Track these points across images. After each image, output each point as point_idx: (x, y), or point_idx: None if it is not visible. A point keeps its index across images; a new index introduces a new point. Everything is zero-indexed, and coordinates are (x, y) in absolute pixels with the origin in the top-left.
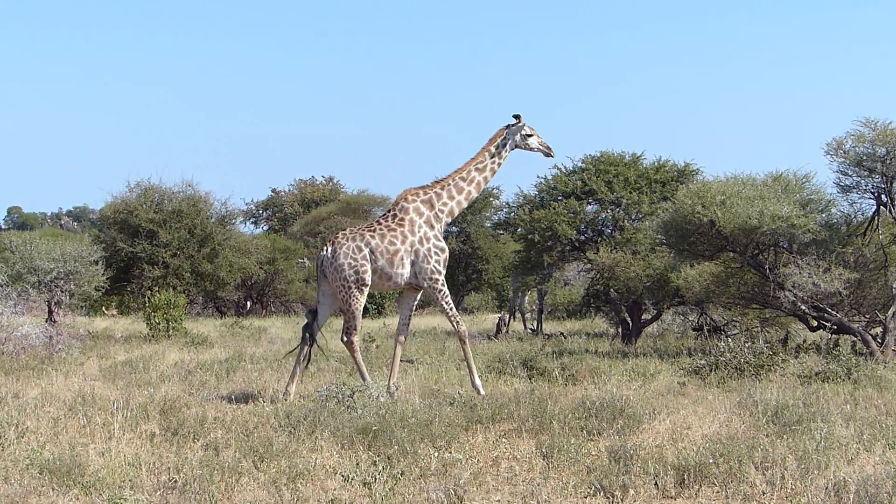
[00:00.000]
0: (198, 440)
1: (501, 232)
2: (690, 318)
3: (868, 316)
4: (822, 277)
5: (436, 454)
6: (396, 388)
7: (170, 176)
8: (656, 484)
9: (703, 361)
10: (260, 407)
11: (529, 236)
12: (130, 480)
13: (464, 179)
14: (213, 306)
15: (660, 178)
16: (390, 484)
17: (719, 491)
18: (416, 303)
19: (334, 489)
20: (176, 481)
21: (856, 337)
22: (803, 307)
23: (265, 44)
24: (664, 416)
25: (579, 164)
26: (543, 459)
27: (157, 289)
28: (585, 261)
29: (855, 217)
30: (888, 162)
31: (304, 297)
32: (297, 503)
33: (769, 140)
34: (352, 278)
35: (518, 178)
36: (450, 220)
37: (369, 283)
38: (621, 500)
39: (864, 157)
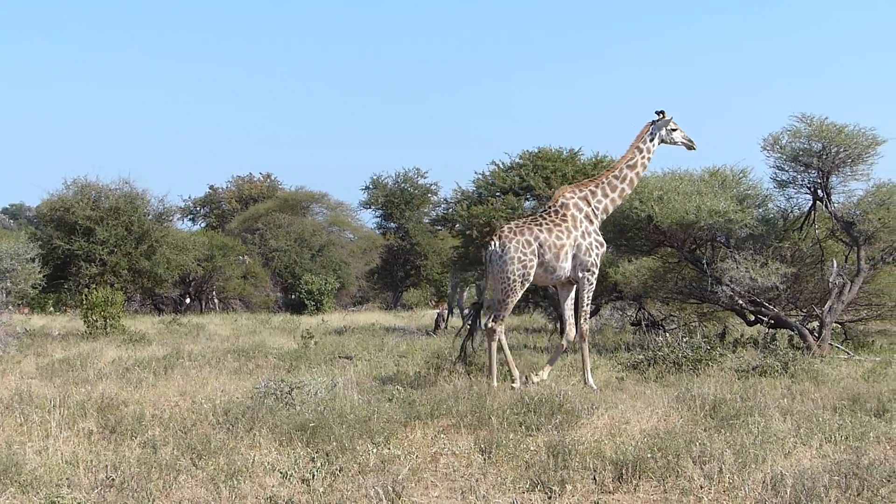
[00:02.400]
0: (136, 438)
1: (440, 228)
2: (628, 313)
3: (805, 310)
4: (759, 272)
5: (374, 450)
6: (594, 389)
7: (107, 173)
8: (594, 479)
9: (641, 356)
10: (198, 404)
11: (468, 232)
12: (68, 479)
13: (617, 178)
14: (151, 303)
15: (598, 173)
16: (329, 480)
17: (657, 485)
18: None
19: (273, 486)
20: (114, 479)
21: (793, 331)
22: (741, 302)
23: (203, 39)
24: (602, 411)
25: (517, 160)
26: (482, 455)
27: (94, 286)
28: None
29: (791, 212)
30: (824, 157)
31: (242, 294)
32: (236, 500)
33: (706, 135)
34: (518, 272)
35: (456, 173)
36: (605, 216)
37: (532, 279)
38: (559, 495)
39: (801, 153)
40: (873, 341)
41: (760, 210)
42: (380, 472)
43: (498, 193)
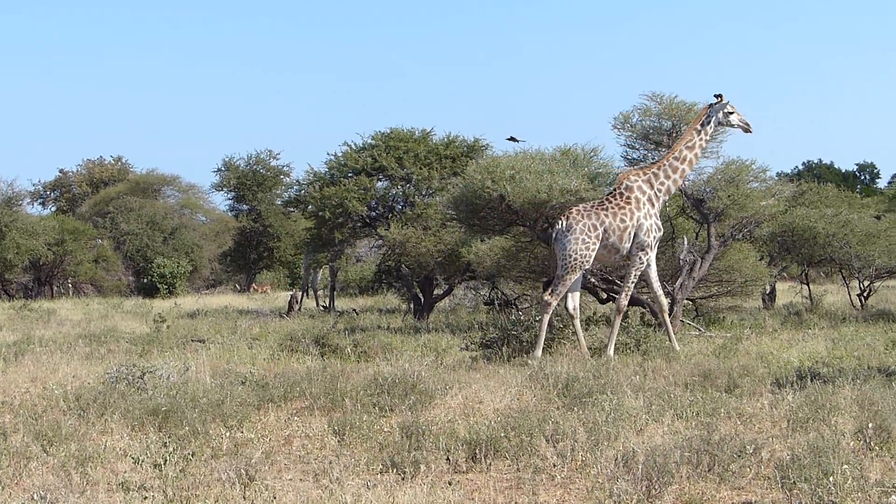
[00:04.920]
0: None
1: (292, 209)
2: (482, 293)
3: None
4: None
5: (227, 434)
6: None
7: None
8: (448, 459)
9: (493, 335)
10: (49, 390)
11: (320, 213)
12: None
13: (677, 159)
14: (1, 289)
15: (450, 153)
16: (181, 465)
17: (511, 464)
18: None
19: (125, 472)
20: None
21: (645, 308)
22: (593, 280)
23: (47, 15)
24: (456, 390)
25: (369, 141)
26: (336, 437)
27: None
28: (377, 237)
29: None
30: (674, 135)
31: (94, 278)
32: (87, 487)
33: (557, 115)
34: (579, 253)
35: (308, 155)
36: (667, 198)
37: (590, 264)
38: (413, 476)
39: (651, 131)
40: (724, 317)
41: (612, 188)
42: (233, 456)
43: (350, 174)
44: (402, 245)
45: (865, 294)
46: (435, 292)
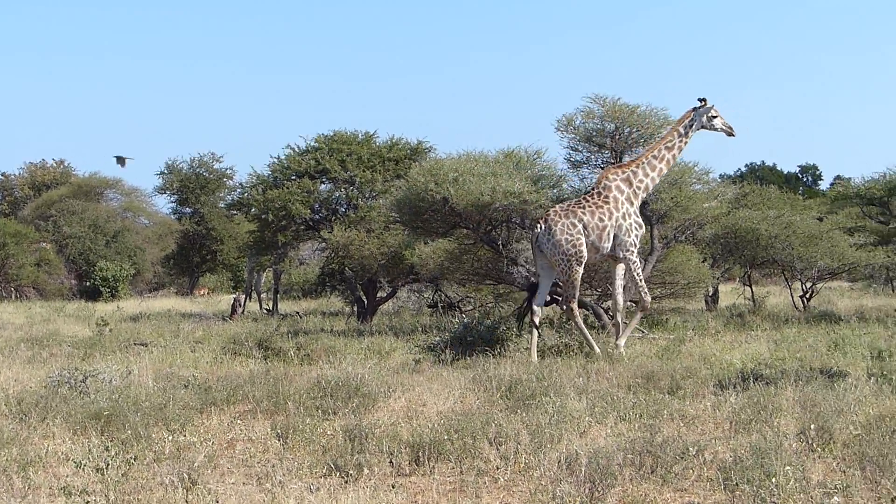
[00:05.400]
0: None
1: (235, 212)
2: (425, 295)
3: (600, 290)
4: None
5: (170, 438)
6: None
7: None
8: (391, 462)
9: (437, 338)
10: None
11: (263, 216)
12: None
13: (656, 157)
14: None
15: (393, 156)
16: (123, 469)
17: (454, 467)
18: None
19: (66, 476)
20: None
21: (588, 310)
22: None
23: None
24: (399, 393)
25: (312, 144)
26: (279, 440)
27: None
28: (320, 240)
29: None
30: (617, 137)
31: (36, 282)
32: (29, 491)
33: (502, 117)
34: (570, 252)
35: (251, 157)
36: (645, 195)
37: (586, 255)
38: (356, 479)
39: (594, 133)
40: (667, 319)
41: (555, 191)
42: (175, 460)
43: (294, 177)
44: (346, 248)
45: (808, 295)
46: (378, 295)
